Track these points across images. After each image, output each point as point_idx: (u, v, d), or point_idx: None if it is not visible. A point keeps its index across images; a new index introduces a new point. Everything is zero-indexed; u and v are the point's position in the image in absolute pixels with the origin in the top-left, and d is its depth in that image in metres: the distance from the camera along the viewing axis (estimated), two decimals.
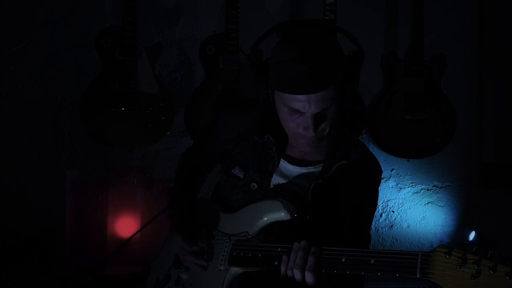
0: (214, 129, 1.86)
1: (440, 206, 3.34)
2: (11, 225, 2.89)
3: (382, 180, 3.23)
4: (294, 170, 1.72)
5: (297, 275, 1.48)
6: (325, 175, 1.69)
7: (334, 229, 1.70)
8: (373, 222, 3.26)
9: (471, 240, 3.38)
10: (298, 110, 1.56)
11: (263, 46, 1.65)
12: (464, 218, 3.34)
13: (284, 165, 1.73)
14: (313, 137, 1.60)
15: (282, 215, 1.62)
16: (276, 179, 1.73)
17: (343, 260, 1.45)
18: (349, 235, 1.73)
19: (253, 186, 1.73)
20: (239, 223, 1.70)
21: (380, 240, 3.29)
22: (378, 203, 3.26)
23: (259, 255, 1.58)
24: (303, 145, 1.66)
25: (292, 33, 1.57)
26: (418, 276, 1.31)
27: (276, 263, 1.54)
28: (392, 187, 3.29)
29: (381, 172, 1.80)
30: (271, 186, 1.72)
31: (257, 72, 1.62)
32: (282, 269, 1.51)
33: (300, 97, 1.53)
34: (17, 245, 2.63)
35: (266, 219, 1.65)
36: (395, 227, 3.30)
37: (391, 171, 3.30)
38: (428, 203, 3.33)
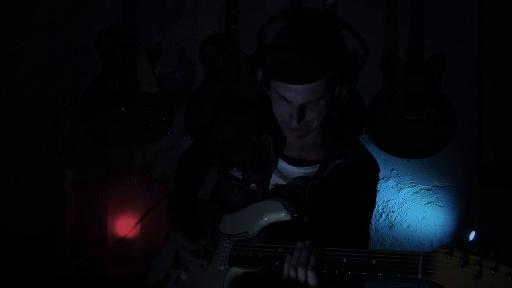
0: (213, 130, 1.85)
1: (440, 206, 3.34)
2: (11, 225, 2.89)
3: (382, 180, 3.26)
4: (292, 170, 1.72)
5: (301, 274, 1.48)
6: (322, 175, 1.68)
7: (333, 229, 1.69)
8: (373, 222, 3.27)
9: (471, 240, 3.41)
10: (286, 98, 1.57)
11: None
12: (464, 218, 3.34)
13: (282, 165, 1.72)
14: (296, 126, 1.60)
15: (282, 215, 1.62)
16: (274, 179, 1.72)
17: (344, 261, 1.45)
18: (349, 235, 1.72)
19: (253, 186, 1.72)
20: (239, 223, 1.69)
21: (380, 240, 3.29)
22: (378, 203, 3.27)
23: (260, 256, 1.58)
24: (291, 135, 1.68)
25: (296, 22, 1.58)
26: (419, 276, 1.31)
27: (277, 263, 1.54)
28: (392, 187, 3.29)
29: (379, 170, 1.79)
30: (270, 186, 1.72)
31: (257, 54, 1.63)
32: (285, 268, 1.51)
33: (288, 86, 1.54)
34: (17, 245, 2.63)
35: (266, 219, 1.64)
36: (395, 227, 3.30)
37: (391, 171, 3.30)
38: (428, 203, 3.33)
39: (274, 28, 1.62)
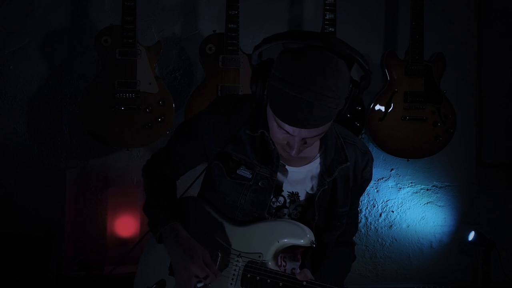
0: (204, 132, 1.71)
1: (439, 206, 3.34)
2: (11, 225, 2.89)
3: (381, 180, 3.26)
4: (292, 170, 1.70)
5: None
6: (329, 179, 1.68)
7: (336, 223, 1.73)
8: (373, 222, 3.27)
9: (471, 240, 3.40)
10: (287, 132, 1.49)
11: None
12: (463, 218, 3.34)
13: (282, 163, 1.69)
14: (294, 156, 1.55)
15: (301, 242, 1.60)
16: (278, 176, 1.69)
17: None
18: (346, 223, 1.77)
19: (261, 184, 1.66)
20: (251, 241, 1.64)
21: (380, 240, 3.29)
22: (378, 203, 3.27)
23: (280, 284, 1.57)
24: (284, 155, 1.62)
25: (303, 51, 1.44)
26: None
27: None
28: (391, 187, 3.29)
29: (373, 159, 1.81)
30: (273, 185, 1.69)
31: (256, 71, 1.52)
32: None
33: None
34: (17, 245, 2.63)
35: (286, 241, 1.61)
36: (395, 227, 3.30)
37: (391, 171, 3.29)
38: (427, 203, 3.33)
39: (270, 48, 1.52)
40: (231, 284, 1.62)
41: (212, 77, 2.90)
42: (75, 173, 3.01)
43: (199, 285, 1.58)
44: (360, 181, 1.77)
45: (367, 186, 1.85)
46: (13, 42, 2.97)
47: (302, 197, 1.70)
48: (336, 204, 1.71)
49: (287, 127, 1.46)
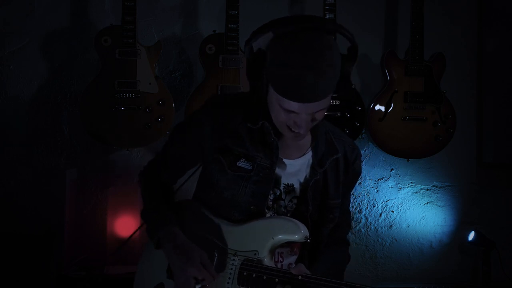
0: (201, 130, 1.71)
1: (439, 206, 3.34)
2: (11, 225, 2.89)
3: (381, 180, 3.26)
4: (287, 162, 1.72)
5: None
6: (320, 170, 1.72)
7: (328, 216, 1.75)
8: (373, 222, 3.27)
9: (471, 240, 3.41)
10: (293, 111, 1.54)
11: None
12: (463, 218, 3.34)
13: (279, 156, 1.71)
14: (303, 133, 1.60)
15: (296, 237, 1.62)
16: (277, 170, 1.70)
17: None
18: (339, 217, 1.79)
19: (263, 174, 1.67)
20: (246, 239, 1.65)
21: (380, 240, 3.29)
22: (378, 203, 3.28)
23: (276, 280, 1.58)
24: (290, 138, 1.65)
25: (295, 34, 1.51)
26: None
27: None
28: (391, 187, 3.29)
29: (361, 154, 1.87)
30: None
31: (251, 64, 1.58)
32: None
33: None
34: (17, 245, 2.63)
35: (281, 237, 1.63)
36: (395, 227, 3.30)
37: (391, 171, 3.29)
38: (427, 203, 3.33)
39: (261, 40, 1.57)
40: (228, 283, 1.63)
41: (212, 77, 2.90)
42: (75, 173, 3.02)
43: (197, 286, 1.59)
44: (351, 174, 1.81)
45: (358, 179, 1.90)
46: (13, 42, 2.98)
47: (296, 188, 1.72)
48: (327, 196, 1.74)
49: (293, 106, 1.52)
